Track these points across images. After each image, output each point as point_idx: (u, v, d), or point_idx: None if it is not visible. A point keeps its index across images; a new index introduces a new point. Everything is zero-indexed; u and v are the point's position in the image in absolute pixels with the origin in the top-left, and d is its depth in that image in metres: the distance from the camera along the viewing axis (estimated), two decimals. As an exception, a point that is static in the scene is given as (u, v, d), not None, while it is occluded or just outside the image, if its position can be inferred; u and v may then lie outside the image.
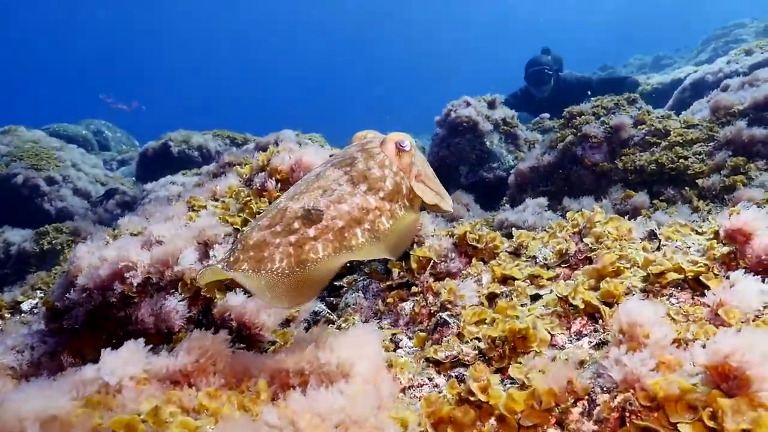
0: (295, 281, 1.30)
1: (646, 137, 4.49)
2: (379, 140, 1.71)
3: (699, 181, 3.86)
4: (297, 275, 1.31)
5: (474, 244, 2.13)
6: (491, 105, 6.42)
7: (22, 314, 3.44)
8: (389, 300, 2.08)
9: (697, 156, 4.07)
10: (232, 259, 1.34)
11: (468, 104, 6.10)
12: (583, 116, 4.91)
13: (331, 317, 2.17)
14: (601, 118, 4.79)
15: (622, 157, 4.43)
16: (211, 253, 2.18)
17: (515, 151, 6.31)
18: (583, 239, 1.91)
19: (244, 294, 1.98)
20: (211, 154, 8.74)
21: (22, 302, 3.48)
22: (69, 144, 9.84)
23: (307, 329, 2.10)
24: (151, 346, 1.46)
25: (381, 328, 1.95)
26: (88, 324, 2.37)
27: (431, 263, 2.10)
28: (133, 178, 10.05)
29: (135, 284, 2.20)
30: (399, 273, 2.10)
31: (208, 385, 1.20)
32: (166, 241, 2.28)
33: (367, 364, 1.31)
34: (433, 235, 2.25)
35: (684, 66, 15.63)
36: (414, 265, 2.09)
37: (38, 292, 3.57)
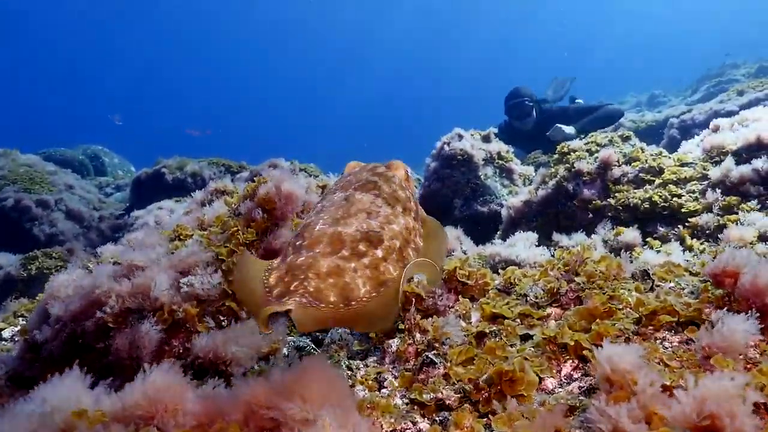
0: (378, 303, 1.25)
1: (640, 174, 4.49)
2: (382, 166, 1.72)
3: (693, 220, 3.85)
4: (381, 297, 1.26)
5: (464, 280, 2.09)
6: (486, 138, 6.45)
7: (3, 341, 3.35)
8: (377, 336, 2.03)
9: (691, 194, 4.07)
10: (312, 289, 1.22)
11: (462, 137, 6.13)
12: (576, 152, 4.93)
13: (315, 353, 2.11)
14: (594, 155, 4.80)
15: (616, 194, 4.43)
16: (187, 280, 2.12)
17: (510, 185, 6.31)
18: (575, 278, 1.87)
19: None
20: (206, 182, 8.71)
21: (3, 329, 3.39)
22: (63, 168, 9.82)
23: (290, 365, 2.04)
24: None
25: (366, 365, 1.89)
26: (66, 354, 2.30)
27: (419, 299, 2.06)
28: (127, 204, 10.01)
29: (111, 314, 2.14)
30: (386, 308, 2.05)
31: (177, 426, 1.13)
32: (146, 270, 2.23)
33: (336, 408, 1.23)
34: (422, 270, 2.20)
35: (678, 105, 15.86)
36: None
37: (20, 319, 3.48)
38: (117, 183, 11.95)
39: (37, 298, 3.70)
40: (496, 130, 6.64)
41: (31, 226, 7.88)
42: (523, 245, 4.13)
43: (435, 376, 1.58)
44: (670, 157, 4.61)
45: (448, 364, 1.60)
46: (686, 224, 3.88)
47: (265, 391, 1.23)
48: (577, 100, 9.65)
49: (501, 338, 1.71)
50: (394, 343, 1.91)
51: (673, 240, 3.83)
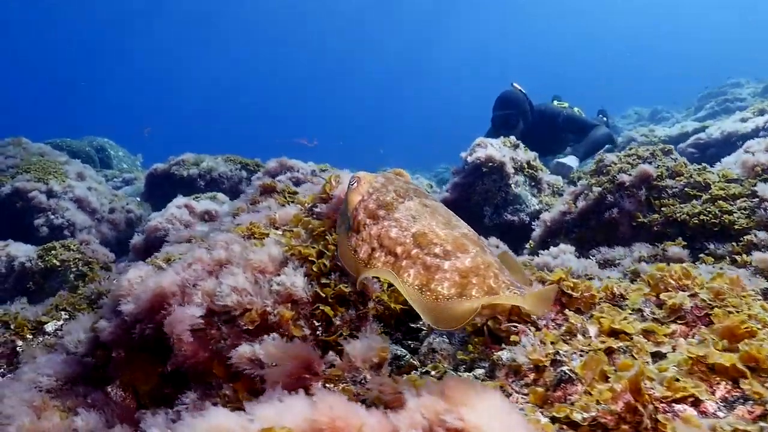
0: None
1: (685, 189, 4.46)
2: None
3: (747, 237, 3.80)
4: None
5: (569, 292, 2.02)
6: (515, 146, 6.40)
7: (46, 336, 3.24)
8: (477, 347, 1.95)
9: (743, 211, 4.03)
10: (508, 281, 1.34)
11: (490, 145, 6.07)
12: (616, 165, 4.89)
13: (414, 362, 2.03)
14: (639, 164, 4.76)
15: (663, 209, 4.38)
16: (279, 280, 2.03)
17: (539, 194, 6.26)
18: (699, 294, 1.80)
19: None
20: (222, 179, 8.60)
21: (46, 323, 3.28)
22: (74, 159, 9.64)
23: (390, 374, 1.95)
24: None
25: (476, 377, 1.82)
26: (140, 354, 2.20)
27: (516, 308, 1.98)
28: (138, 198, 9.87)
29: (197, 314, 2.04)
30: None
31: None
32: (230, 267, 2.14)
33: (514, 424, 1.17)
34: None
35: (684, 121, 15.90)
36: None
37: (63, 313, 3.37)
38: (124, 176, 11.78)
39: (79, 291, 3.58)
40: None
41: (45, 215, 7.70)
42: (569, 256, 4.08)
43: (575, 393, 1.51)
44: (714, 173, 4.58)
45: (587, 381, 1.52)
46: (739, 241, 3.84)
47: (435, 403, 1.15)
48: (556, 102, 8.99)
49: (632, 356, 1.64)
50: (504, 355, 1.84)
51: (727, 257, 3.78)
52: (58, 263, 6.11)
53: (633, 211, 4.55)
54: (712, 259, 3.84)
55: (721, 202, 4.16)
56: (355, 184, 1.63)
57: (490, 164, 5.91)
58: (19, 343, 3.20)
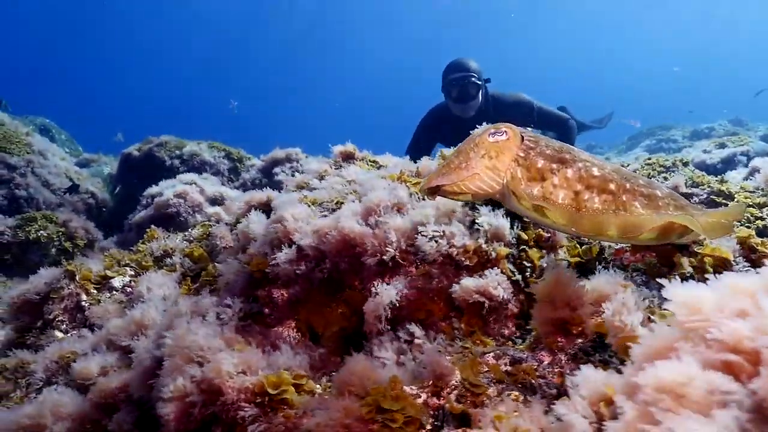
0: None
1: (711, 196, 4.75)
2: None
3: (782, 241, 4.10)
4: None
5: (761, 249, 2.08)
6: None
7: (114, 292, 2.91)
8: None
9: (774, 218, 4.35)
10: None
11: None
12: (639, 171, 5.14)
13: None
14: (663, 174, 5.03)
15: (693, 212, 4.64)
16: (486, 220, 1.94)
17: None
18: None
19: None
20: (204, 166, 8.19)
21: (112, 278, 2.95)
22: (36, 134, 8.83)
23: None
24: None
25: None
26: (316, 294, 2.03)
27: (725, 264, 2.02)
28: (99, 179, 9.21)
29: (393, 252, 1.91)
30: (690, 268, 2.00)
31: None
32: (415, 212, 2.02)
33: None
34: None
35: (624, 154, 16.94)
36: (708, 262, 1.99)
37: (127, 268, 3.03)
38: (83, 159, 10.91)
39: (139, 249, 3.24)
40: None
41: (6, 188, 6.97)
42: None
43: None
44: (732, 184, 4.91)
45: None
46: (772, 244, 4.13)
47: None
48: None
49: None
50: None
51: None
52: (40, 237, 5.53)
53: (663, 214, 4.77)
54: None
55: (751, 209, 4.47)
56: (505, 136, 1.50)
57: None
58: (84, 297, 2.86)
